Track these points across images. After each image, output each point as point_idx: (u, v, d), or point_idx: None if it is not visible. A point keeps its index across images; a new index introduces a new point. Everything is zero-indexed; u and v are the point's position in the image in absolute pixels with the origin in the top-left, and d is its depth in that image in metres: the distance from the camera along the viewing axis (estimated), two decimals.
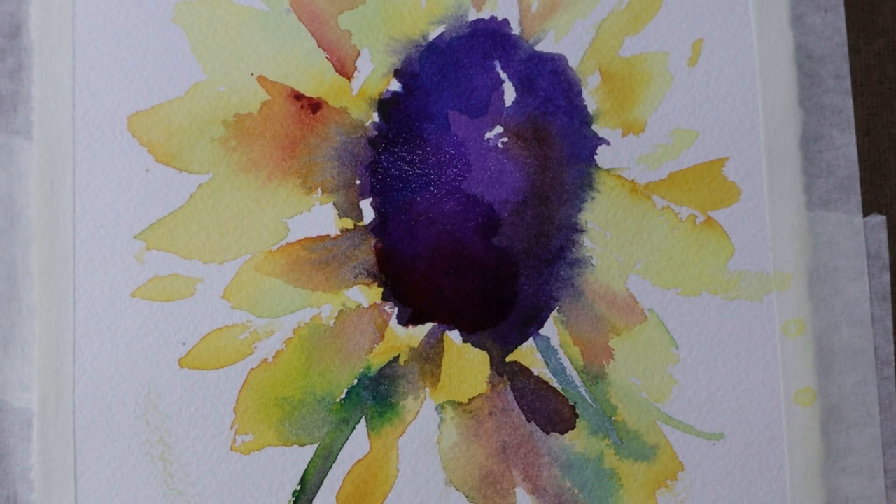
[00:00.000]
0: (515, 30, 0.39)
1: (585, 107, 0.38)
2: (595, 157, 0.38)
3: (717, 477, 0.37)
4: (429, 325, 0.37)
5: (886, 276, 0.38)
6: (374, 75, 0.38)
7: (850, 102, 0.38)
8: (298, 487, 0.37)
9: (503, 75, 0.39)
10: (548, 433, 0.37)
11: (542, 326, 0.38)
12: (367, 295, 0.37)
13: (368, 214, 0.38)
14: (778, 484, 0.37)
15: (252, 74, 0.38)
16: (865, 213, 0.38)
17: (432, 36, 0.39)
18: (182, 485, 0.36)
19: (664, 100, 0.39)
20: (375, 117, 0.38)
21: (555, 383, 0.37)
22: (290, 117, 0.38)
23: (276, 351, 0.37)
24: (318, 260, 0.38)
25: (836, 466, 0.37)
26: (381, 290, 0.37)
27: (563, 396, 0.37)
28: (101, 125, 0.38)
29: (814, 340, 0.37)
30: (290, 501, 0.37)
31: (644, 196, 0.38)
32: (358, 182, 0.38)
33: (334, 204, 0.38)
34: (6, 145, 0.37)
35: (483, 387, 0.37)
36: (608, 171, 0.38)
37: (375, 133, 0.38)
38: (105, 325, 0.37)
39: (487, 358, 0.37)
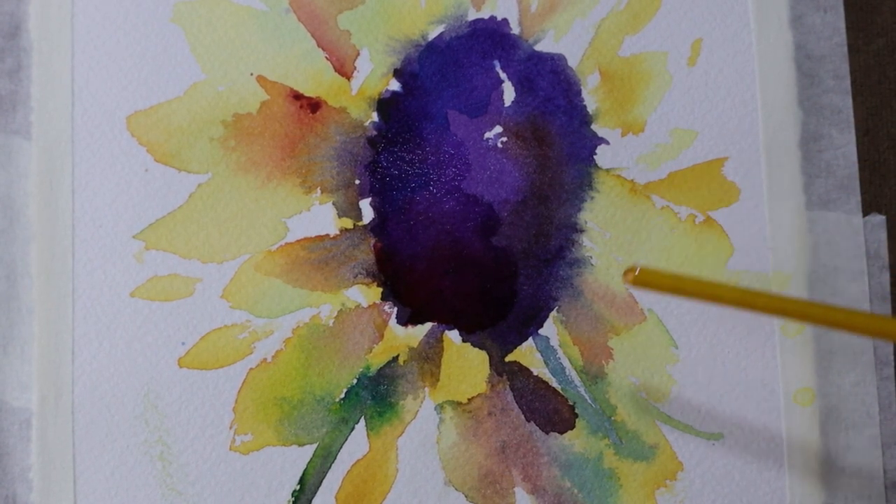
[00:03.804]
0: (515, 29, 0.39)
1: (585, 106, 0.38)
2: (594, 156, 0.38)
3: (717, 477, 0.37)
4: (428, 325, 0.37)
5: (886, 276, 0.38)
6: (374, 75, 0.38)
7: (849, 102, 0.38)
8: (298, 487, 0.37)
9: (502, 75, 0.39)
10: (547, 433, 0.37)
11: (541, 326, 0.38)
12: (366, 295, 0.37)
13: (368, 214, 0.38)
14: (777, 484, 0.37)
15: (251, 74, 0.38)
16: (865, 213, 0.38)
17: (432, 36, 0.39)
18: (181, 484, 0.36)
19: (663, 99, 0.39)
20: (375, 117, 0.38)
21: (554, 383, 0.37)
22: (289, 117, 0.38)
23: (275, 351, 0.37)
24: (317, 260, 0.37)
25: (835, 466, 0.37)
26: (380, 289, 0.37)
27: (563, 396, 0.37)
28: (100, 125, 0.38)
29: (813, 340, 0.37)
30: (289, 501, 0.37)
31: (643, 196, 0.38)
32: (357, 182, 0.38)
33: (333, 204, 0.38)
34: (5, 145, 0.37)
35: (482, 387, 0.37)
36: (607, 170, 0.38)
37: (375, 133, 0.38)
38: (104, 325, 0.37)
39: (487, 358, 0.37)
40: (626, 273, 0.30)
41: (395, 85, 0.38)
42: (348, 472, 0.37)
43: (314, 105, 0.38)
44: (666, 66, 0.39)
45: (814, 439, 0.37)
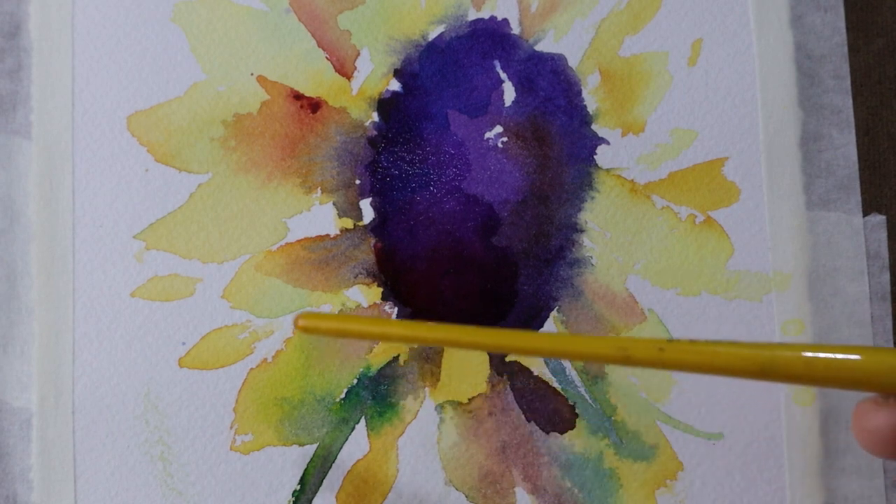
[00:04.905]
0: (515, 29, 0.39)
1: (585, 106, 0.38)
2: (595, 156, 0.38)
3: (717, 477, 0.37)
4: None
5: (886, 276, 0.38)
6: (374, 75, 0.38)
7: (849, 102, 0.38)
8: (298, 487, 0.37)
9: (503, 75, 0.39)
10: (547, 433, 0.37)
11: (541, 326, 0.38)
12: (366, 295, 0.37)
13: (368, 214, 0.38)
14: (777, 484, 0.37)
15: (251, 74, 0.38)
16: (865, 213, 0.38)
17: (432, 36, 0.39)
18: (182, 485, 0.36)
19: (664, 99, 0.39)
20: (375, 117, 0.38)
21: (554, 383, 0.37)
22: (289, 117, 0.38)
23: (275, 351, 0.37)
24: (317, 260, 0.37)
25: (835, 466, 0.37)
26: (380, 289, 0.37)
27: (563, 396, 0.37)
28: (100, 125, 0.38)
29: (813, 340, 0.37)
30: (289, 501, 0.37)
31: (644, 196, 0.38)
32: (357, 182, 0.38)
33: (334, 204, 0.38)
34: (5, 145, 0.37)
35: (483, 387, 0.37)
36: (608, 170, 0.38)
37: (375, 133, 0.38)
38: (104, 325, 0.37)
39: (487, 358, 0.37)
40: (295, 322, 0.30)
41: (395, 85, 0.38)
42: (348, 472, 0.37)
43: (314, 105, 0.38)
44: (666, 66, 0.39)
45: (813, 439, 0.37)
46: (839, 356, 0.25)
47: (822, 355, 0.25)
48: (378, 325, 0.31)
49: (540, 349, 0.28)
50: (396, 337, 0.30)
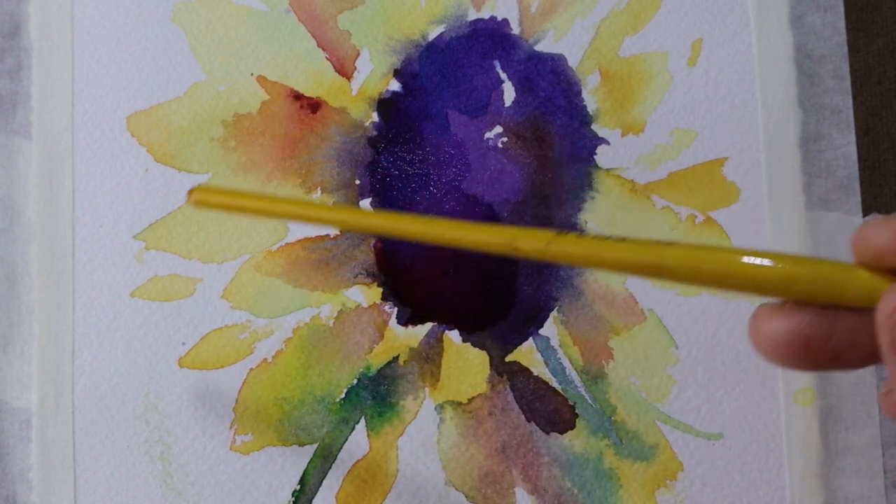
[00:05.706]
0: (515, 30, 0.39)
1: (585, 107, 0.38)
2: (594, 156, 0.38)
3: (717, 477, 0.37)
4: (428, 325, 0.37)
5: None
6: (374, 75, 0.38)
7: (849, 102, 0.38)
8: (298, 487, 0.37)
9: (503, 75, 0.39)
10: (547, 433, 0.37)
11: (541, 326, 0.38)
12: (366, 295, 0.37)
13: None
14: (777, 484, 0.37)
15: (251, 74, 0.38)
16: (865, 213, 0.38)
17: (432, 36, 0.39)
18: (181, 484, 0.36)
19: (663, 100, 0.39)
20: (375, 117, 0.38)
21: (554, 383, 0.37)
22: (289, 117, 0.38)
23: (275, 351, 0.37)
24: (317, 260, 0.37)
25: (835, 466, 0.37)
26: (380, 289, 0.37)
27: (563, 396, 0.37)
28: (100, 125, 0.38)
29: None
30: (289, 501, 0.37)
31: (643, 196, 0.38)
32: (357, 182, 0.38)
33: (334, 204, 0.38)
34: (5, 145, 0.37)
35: (483, 387, 0.37)
36: (608, 170, 0.38)
37: (375, 133, 0.38)
38: (104, 325, 0.37)
39: (487, 358, 0.37)
40: (188, 195, 0.30)
41: (395, 85, 0.38)
42: (348, 472, 0.37)
43: (314, 105, 0.38)
44: (666, 66, 0.39)
45: (813, 439, 0.37)
46: (728, 257, 0.24)
47: (711, 256, 0.24)
48: (270, 203, 0.30)
49: (424, 234, 0.28)
50: (286, 214, 0.30)
